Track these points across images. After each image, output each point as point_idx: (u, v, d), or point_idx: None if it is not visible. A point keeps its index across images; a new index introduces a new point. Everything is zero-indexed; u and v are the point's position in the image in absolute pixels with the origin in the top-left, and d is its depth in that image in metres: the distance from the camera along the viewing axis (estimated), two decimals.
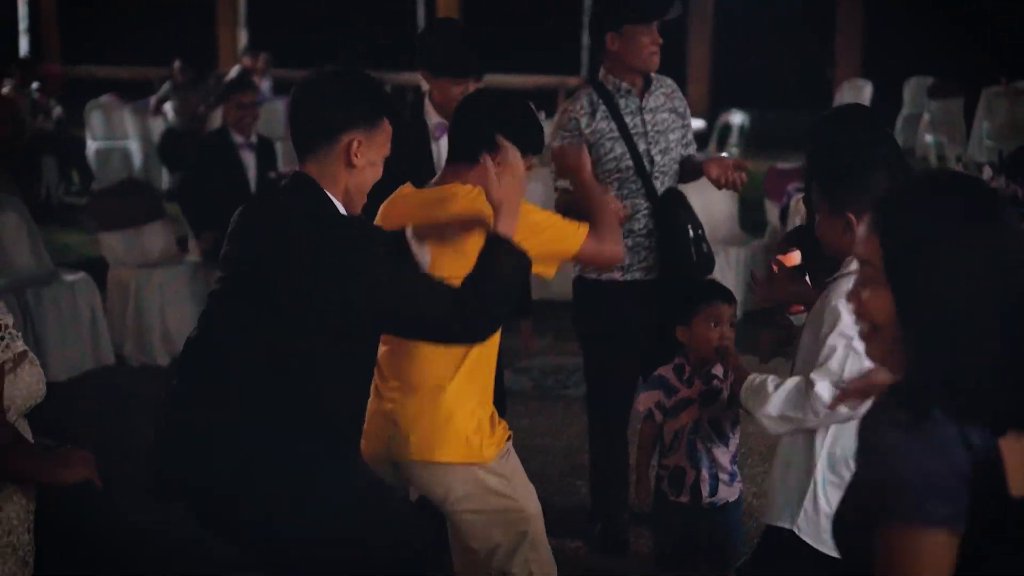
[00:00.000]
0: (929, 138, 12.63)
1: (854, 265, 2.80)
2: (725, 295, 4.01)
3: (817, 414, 2.96)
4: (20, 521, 2.81)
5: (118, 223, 7.23)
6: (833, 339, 2.93)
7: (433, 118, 4.40)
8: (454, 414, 3.32)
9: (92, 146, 12.60)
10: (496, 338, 3.37)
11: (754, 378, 3.22)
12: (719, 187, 4.43)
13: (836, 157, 3.13)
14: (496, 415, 3.47)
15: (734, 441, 3.97)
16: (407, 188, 3.50)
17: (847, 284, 2.74)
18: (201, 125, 11.51)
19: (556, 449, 5.71)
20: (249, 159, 7.10)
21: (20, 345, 2.69)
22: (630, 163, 4.46)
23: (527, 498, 3.46)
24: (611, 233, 3.46)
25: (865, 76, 15.68)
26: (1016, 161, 6.28)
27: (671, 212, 4.49)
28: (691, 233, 4.48)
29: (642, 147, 4.47)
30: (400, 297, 2.84)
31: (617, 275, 4.51)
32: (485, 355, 3.40)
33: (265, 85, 13.27)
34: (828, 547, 2.96)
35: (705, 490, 3.92)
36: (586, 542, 4.74)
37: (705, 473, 3.92)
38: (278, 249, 2.85)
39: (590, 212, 3.48)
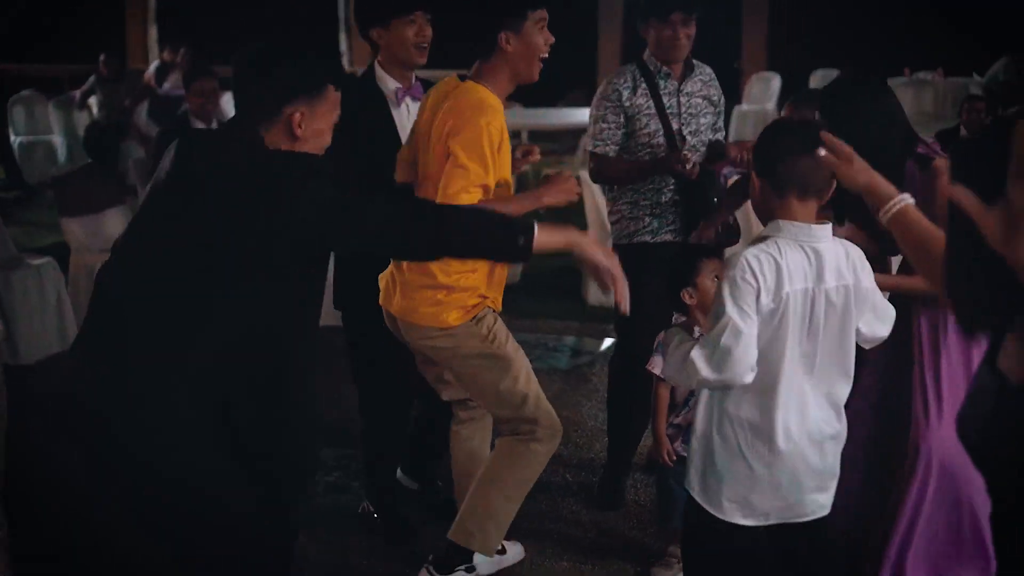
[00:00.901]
0: None
1: (766, 231, 3.08)
2: (715, 252, 4.25)
3: (692, 381, 3.11)
4: None
5: (79, 209, 7.20)
6: (717, 312, 3.05)
7: (389, 83, 4.34)
8: (457, 285, 3.80)
9: (15, 140, 12.42)
10: None
11: (667, 335, 3.41)
12: (735, 165, 4.71)
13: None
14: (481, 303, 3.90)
15: None
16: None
17: (746, 252, 3.01)
18: (127, 119, 11.43)
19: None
20: None
21: None
22: (662, 140, 4.71)
23: (516, 353, 3.93)
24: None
25: (772, 69, 16.11)
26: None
27: (697, 188, 4.73)
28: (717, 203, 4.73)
29: (675, 126, 4.73)
30: (352, 216, 2.80)
31: (648, 238, 4.75)
32: None
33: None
34: (712, 504, 3.17)
35: None
36: (566, 496, 4.96)
37: None
38: (223, 178, 2.77)
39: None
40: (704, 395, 3.20)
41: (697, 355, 3.04)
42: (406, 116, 4.33)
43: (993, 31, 15.96)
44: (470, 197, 3.65)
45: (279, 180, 2.75)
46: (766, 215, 3.15)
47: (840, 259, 3.11)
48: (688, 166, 4.53)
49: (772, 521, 3.20)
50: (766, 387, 3.07)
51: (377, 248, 3.02)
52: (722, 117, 4.93)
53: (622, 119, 4.70)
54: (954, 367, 3.66)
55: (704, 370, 3.03)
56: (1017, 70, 13.30)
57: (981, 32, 16.08)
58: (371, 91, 4.34)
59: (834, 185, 3.07)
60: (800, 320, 3.05)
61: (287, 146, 2.86)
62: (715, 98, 4.87)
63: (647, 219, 4.76)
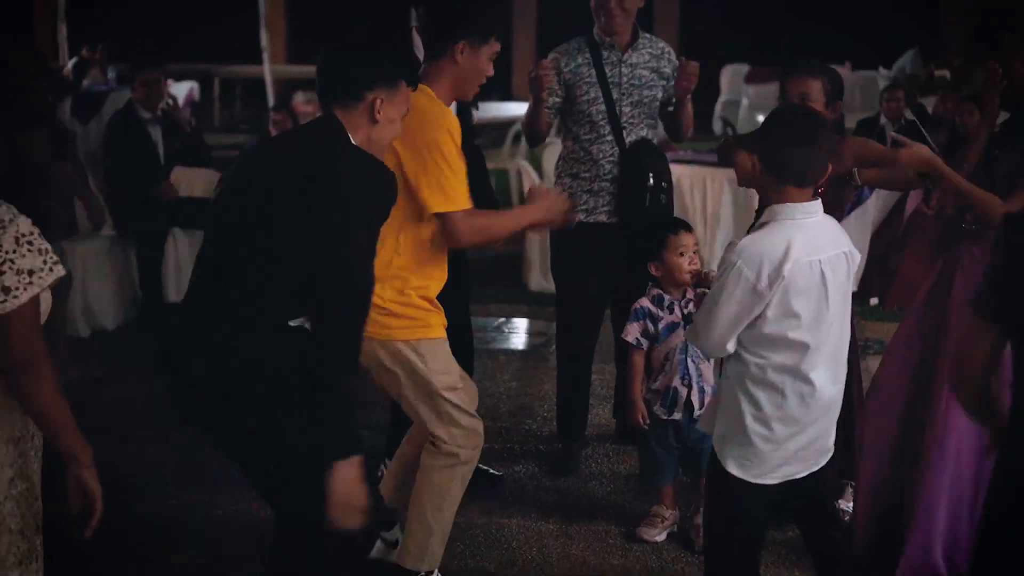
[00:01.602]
0: (761, 118, 13.45)
1: (765, 217, 3.28)
2: (685, 226, 4.46)
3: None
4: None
5: None
6: (713, 291, 3.26)
7: None
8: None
9: None
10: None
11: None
12: (683, 94, 4.89)
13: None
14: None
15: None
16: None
17: (750, 239, 3.22)
18: (52, 115, 11.31)
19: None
20: (157, 133, 7.24)
21: (61, 269, 2.67)
22: (603, 108, 4.86)
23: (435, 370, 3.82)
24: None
25: None
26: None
27: (635, 159, 4.88)
28: (650, 181, 4.87)
29: (615, 95, 4.86)
30: (352, 258, 3.00)
31: (581, 216, 4.87)
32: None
33: (110, 75, 13.06)
34: (737, 467, 3.29)
35: (696, 403, 4.33)
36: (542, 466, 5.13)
37: (696, 388, 4.33)
38: (299, 168, 3.04)
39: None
40: (736, 368, 3.32)
41: (689, 329, 3.36)
42: None
43: (894, 25, 16.49)
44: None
45: (351, 175, 3.03)
46: (763, 195, 3.37)
47: (833, 230, 3.32)
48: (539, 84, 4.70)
49: (793, 477, 3.35)
50: (798, 355, 3.23)
51: (321, 308, 3.03)
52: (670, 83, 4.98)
53: (559, 87, 4.85)
54: None
55: (694, 336, 3.32)
56: (924, 62, 13.80)
57: (883, 26, 16.60)
58: None
59: (828, 173, 3.29)
60: (815, 286, 3.21)
61: (365, 129, 3.17)
62: (666, 71, 4.94)
63: (584, 196, 4.91)
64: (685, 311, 4.35)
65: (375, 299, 3.23)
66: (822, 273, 3.22)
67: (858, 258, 3.40)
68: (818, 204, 3.29)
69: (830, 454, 3.41)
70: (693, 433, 4.33)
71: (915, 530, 3.93)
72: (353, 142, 3.16)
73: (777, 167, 3.23)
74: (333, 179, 3.00)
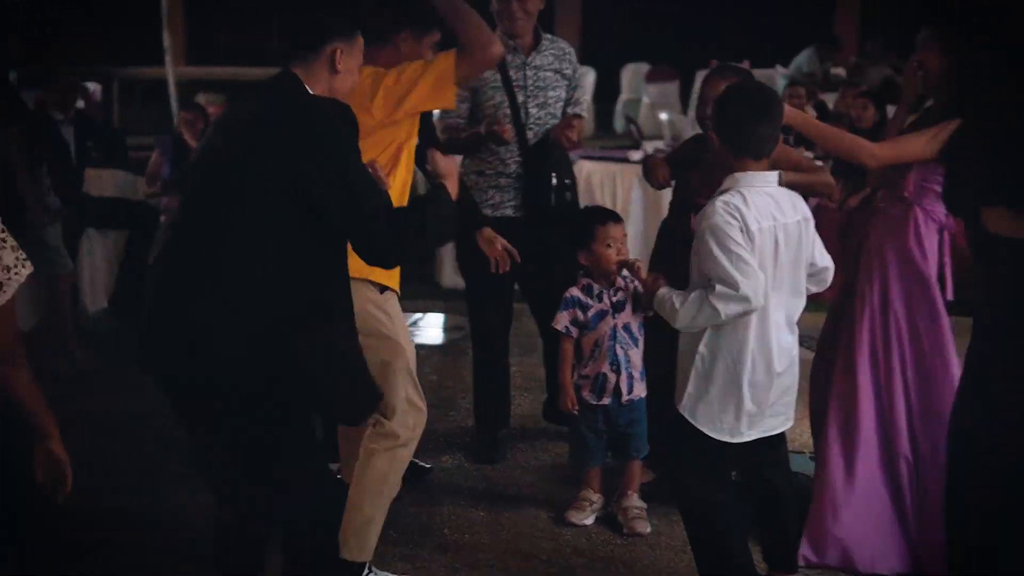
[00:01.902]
0: (664, 116, 13.66)
1: (726, 184, 3.48)
2: (614, 217, 4.58)
3: (719, 318, 3.45)
4: None
5: None
6: (716, 252, 3.41)
7: None
8: None
9: None
10: None
11: (661, 294, 3.66)
12: (561, 143, 4.96)
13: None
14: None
15: (642, 342, 4.52)
16: None
17: (716, 201, 3.41)
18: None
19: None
20: (69, 133, 7.18)
21: (30, 266, 2.80)
22: (507, 112, 4.96)
23: (408, 344, 3.97)
24: (477, 39, 3.82)
25: (585, 63, 16.62)
26: None
27: (538, 160, 5.00)
28: (554, 180, 5.00)
29: (520, 99, 4.96)
30: (360, 192, 3.13)
31: (488, 212, 4.98)
32: None
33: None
34: (708, 426, 3.53)
35: (625, 389, 4.46)
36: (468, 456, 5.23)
37: (624, 375, 4.46)
38: (265, 127, 3.13)
39: (456, 30, 3.88)
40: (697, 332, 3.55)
41: (715, 296, 3.40)
42: None
43: (790, 24, 16.86)
44: None
45: (323, 123, 3.13)
46: (724, 170, 3.54)
47: (792, 198, 3.56)
48: (505, 134, 4.82)
49: (756, 436, 3.58)
50: (759, 315, 3.47)
51: (369, 229, 3.16)
52: (581, 92, 5.16)
53: (466, 92, 4.92)
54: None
55: (724, 307, 3.40)
56: (820, 60, 14.14)
57: (780, 25, 16.96)
58: None
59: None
60: (770, 252, 3.46)
61: (326, 80, 3.26)
62: (568, 72, 5.07)
63: (490, 191, 5.02)
64: (614, 299, 4.47)
65: None
66: (776, 239, 3.44)
67: (811, 225, 3.59)
68: (776, 175, 3.50)
69: (790, 422, 3.63)
70: (622, 418, 4.47)
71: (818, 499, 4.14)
72: (312, 93, 3.24)
73: (736, 142, 3.46)
74: (305, 126, 3.09)
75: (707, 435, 3.56)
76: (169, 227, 3.28)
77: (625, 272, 4.42)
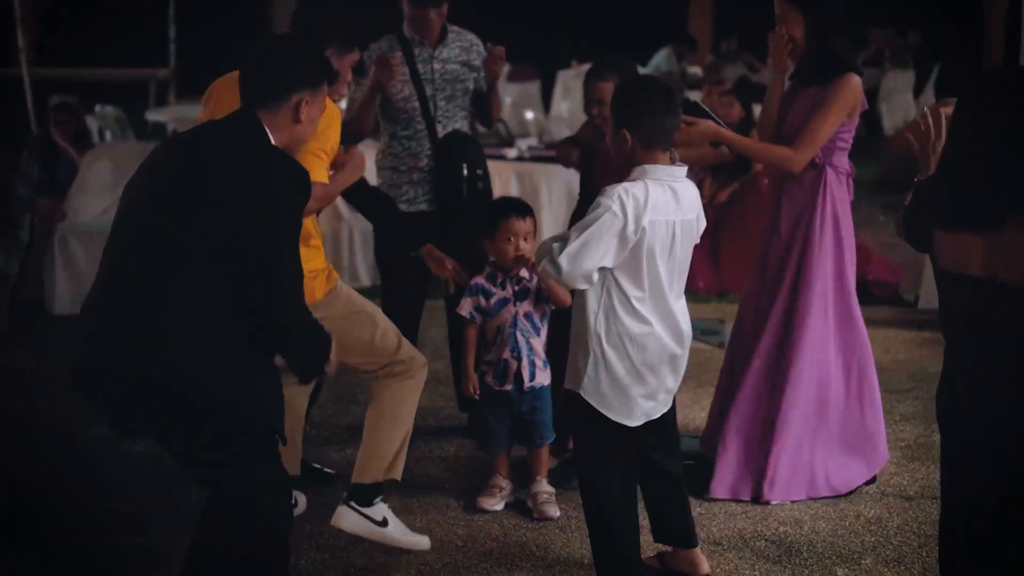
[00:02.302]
0: (530, 115, 13.86)
1: (635, 174, 3.59)
2: (520, 210, 4.64)
3: (552, 275, 3.59)
4: None
5: None
6: (584, 225, 3.53)
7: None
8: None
9: None
10: None
11: (545, 241, 3.74)
12: (492, 79, 5.12)
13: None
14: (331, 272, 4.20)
15: (544, 331, 4.61)
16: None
17: (619, 187, 3.53)
18: None
19: None
20: None
21: None
22: (416, 105, 5.02)
23: (374, 306, 4.29)
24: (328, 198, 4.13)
25: None
26: None
27: (448, 152, 5.06)
28: (465, 172, 5.07)
29: (429, 92, 5.03)
30: (280, 255, 3.15)
31: (403, 207, 5.02)
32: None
33: None
34: (608, 409, 3.65)
35: (526, 375, 4.55)
36: None
37: (526, 361, 4.54)
38: (218, 166, 3.14)
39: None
40: (595, 313, 3.62)
41: (550, 246, 3.57)
42: None
43: (646, 24, 17.20)
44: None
45: (274, 179, 3.15)
46: (630, 162, 3.63)
47: (692, 195, 3.67)
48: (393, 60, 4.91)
49: (652, 417, 3.69)
50: (656, 303, 3.60)
51: (267, 291, 3.17)
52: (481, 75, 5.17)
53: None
54: None
55: (561, 262, 3.50)
56: (677, 59, 14.47)
57: (636, 25, 17.28)
58: None
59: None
60: (666, 244, 3.56)
61: (289, 128, 3.29)
62: (476, 63, 5.14)
63: (404, 187, 5.09)
64: (516, 288, 4.55)
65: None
66: (673, 233, 3.56)
67: (703, 224, 3.70)
68: (683, 170, 3.62)
69: (670, 402, 3.77)
70: (525, 404, 4.56)
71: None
72: (273, 142, 3.26)
73: (644, 135, 3.58)
74: (257, 183, 3.10)
75: (605, 416, 3.65)
76: (105, 264, 3.24)
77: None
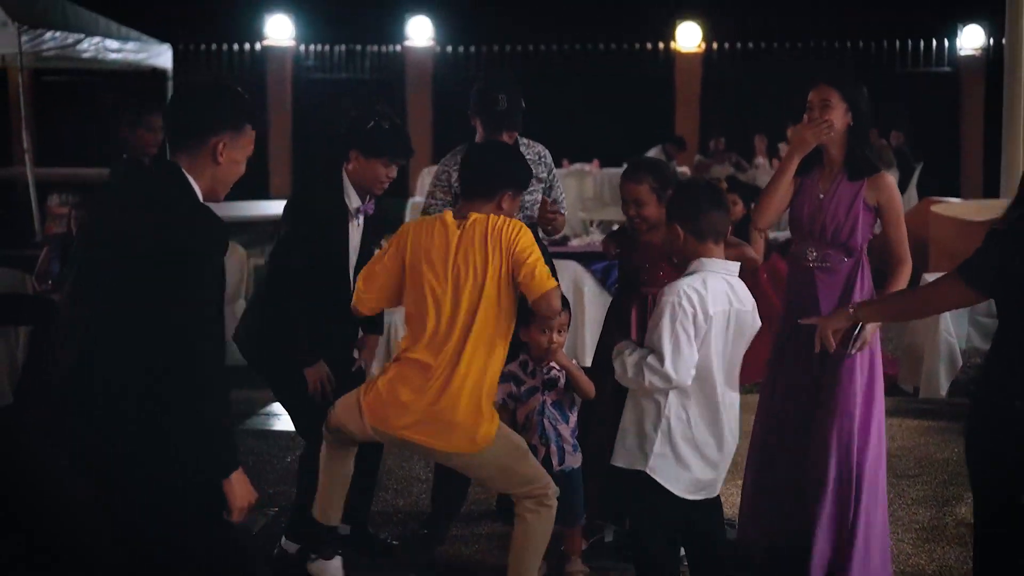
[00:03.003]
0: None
1: (692, 267, 3.90)
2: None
3: (642, 383, 3.90)
4: None
5: None
6: (663, 325, 3.85)
7: (354, 201, 4.90)
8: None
9: None
10: None
11: (621, 345, 4.08)
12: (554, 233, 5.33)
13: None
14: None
15: (573, 418, 4.77)
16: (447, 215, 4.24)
17: (682, 282, 3.85)
18: None
19: None
20: None
21: None
22: None
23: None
24: None
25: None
26: None
27: None
28: None
29: None
30: (199, 308, 3.21)
31: None
32: None
33: None
34: (677, 487, 3.92)
35: (555, 460, 4.70)
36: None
37: (554, 447, 4.70)
38: (142, 224, 3.23)
39: None
40: (666, 401, 3.94)
41: (647, 364, 3.85)
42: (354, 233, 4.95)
43: (636, 124, 17.61)
44: None
45: (192, 234, 3.24)
46: (688, 256, 3.96)
47: (744, 289, 3.98)
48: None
49: (707, 496, 4.00)
50: (708, 391, 3.91)
51: (176, 352, 3.21)
52: (557, 191, 5.36)
53: (450, 198, 5.10)
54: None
55: (650, 376, 3.83)
56: (667, 157, 14.83)
57: (627, 125, 17.69)
58: (339, 206, 4.88)
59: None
60: (723, 333, 3.88)
61: (210, 171, 3.37)
62: (543, 175, 5.26)
63: None
64: (545, 378, 4.71)
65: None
66: (729, 322, 3.86)
67: (758, 322, 4.03)
68: (737, 265, 3.95)
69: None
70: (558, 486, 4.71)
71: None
72: (195, 187, 3.34)
73: (698, 229, 3.91)
74: (177, 240, 3.19)
75: (668, 492, 3.90)
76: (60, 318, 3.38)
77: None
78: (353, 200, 4.86)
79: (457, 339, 4.11)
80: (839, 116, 4.52)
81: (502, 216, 4.17)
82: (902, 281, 4.54)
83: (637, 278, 4.90)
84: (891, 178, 4.64)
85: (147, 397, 3.16)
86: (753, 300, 4.02)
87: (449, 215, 4.23)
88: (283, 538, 4.88)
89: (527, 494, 4.28)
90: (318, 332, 4.76)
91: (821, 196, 4.56)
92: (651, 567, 4.02)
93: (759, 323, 4.03)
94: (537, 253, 4.09)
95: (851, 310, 3.95)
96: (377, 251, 4.79)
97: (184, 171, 3.34)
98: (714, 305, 3.84)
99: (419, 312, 4.16)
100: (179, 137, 3.38)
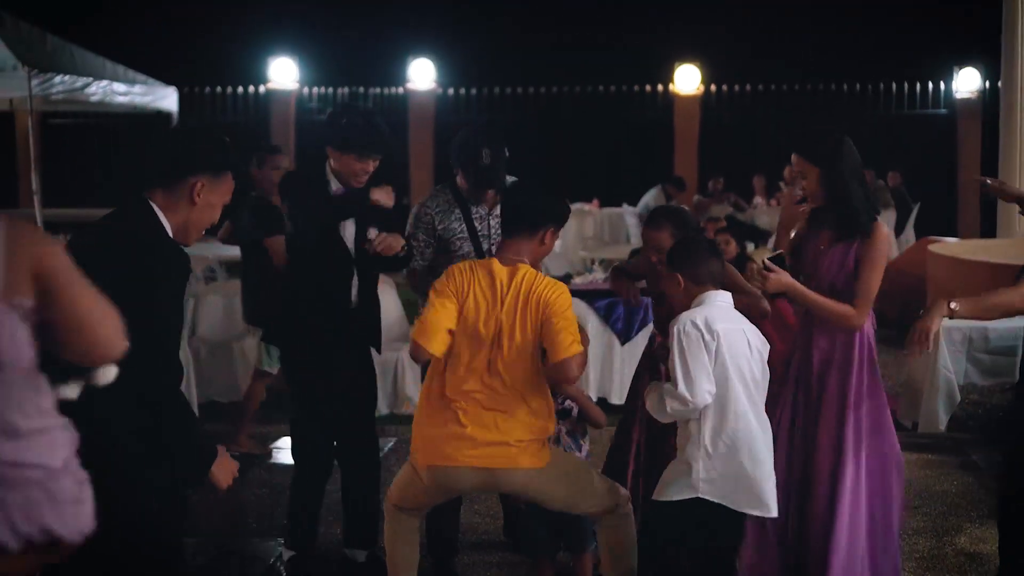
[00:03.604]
0: None
1: (694, 304, 4.15)
2: None
3: (665, 411, 4.15)
4: None
5: None
6: (675, 353, 4.09)
7: (332, 184, 5.11)
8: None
9: None
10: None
11: (653, 383, 4.43)
12: None
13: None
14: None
15: (585, 448, 4.90)
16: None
17: (684, 313, 4.10)
18: None
19: None
20: None
21: None
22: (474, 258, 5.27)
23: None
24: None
25: None
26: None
27: None
28: None
29: (485, 247, 5.17)
30: (150, 329, 3.16)
31: None
32: None
33: None
34: (728, 501, 4.09)
35: None
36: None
37: None
38: (107, 256, 3.25)
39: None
40: (709, 421, 4.13)
41: (666, 391, 4.12)
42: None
43: (634, 165, 17.79)
44: None
45: (154, 266, 3.30)
46: (689, 302, 4.21)
47: (739, 315, 4.25)
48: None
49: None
50: (740, 408, 4.12)
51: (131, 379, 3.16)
52: None
53: (432, 240, 5.19)
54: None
55: (670, 402, 4.10)
56: (666, 197, 14.98)
57: (625, 166, 17.87)
58: (321, 183, 5.12)
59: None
60: (743, 349, 4.13)
61: (185, 210, 3.44)
62: None
63: None
64: (559, 408, 4.80)
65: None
66: (747, 338, 4.13)
67: (767, 346, 4.30)
68: (729, 295, 4.23)
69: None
70: (568, 513, 4.81)
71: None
72: (165, 222, 3.38)
73: (698, 277, 4.21)
74: (139, 270, 3.23)
75: (727, 510, 4.11)
76: None
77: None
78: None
79: (504, 370, 4.20)
80: (813, 183, 4.58)
81: (548, 278, 4.28)
82: (838, 308, 4.52)
83: (667, 321, 4.96)
84: (882, 231, 4.59)
85: (117, 415, 3.21)
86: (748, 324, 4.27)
87: (496, 263, 4.29)
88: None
89: (601, 510, 4.43)
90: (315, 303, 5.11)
91: (821, 248, 4.64)
92: None
93: (767, 347, 4.24)
94: (569, 318, 4.18)
95: (952, 306, 4.29)
96: (423, 302, 4.81)
97: (154, 206, 3.40)
98: (720, 323, 4.07)
99: (465, 350, 4.23)
100: (159, 173, 3.45)
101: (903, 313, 10.40)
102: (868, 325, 4.63)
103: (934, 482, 6.68)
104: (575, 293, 9.25)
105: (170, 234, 3.41)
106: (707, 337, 4.05)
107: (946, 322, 7.38)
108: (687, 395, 4.02)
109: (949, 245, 11.24)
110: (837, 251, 4.58)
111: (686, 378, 4.03)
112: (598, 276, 10.79)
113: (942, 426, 7.51)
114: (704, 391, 4.03)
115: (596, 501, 4.42)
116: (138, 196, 3.42)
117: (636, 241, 13.76)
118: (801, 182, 4.63)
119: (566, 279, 10.34)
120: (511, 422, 4.20)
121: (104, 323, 2.59)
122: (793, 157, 4.63)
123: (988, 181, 5.21)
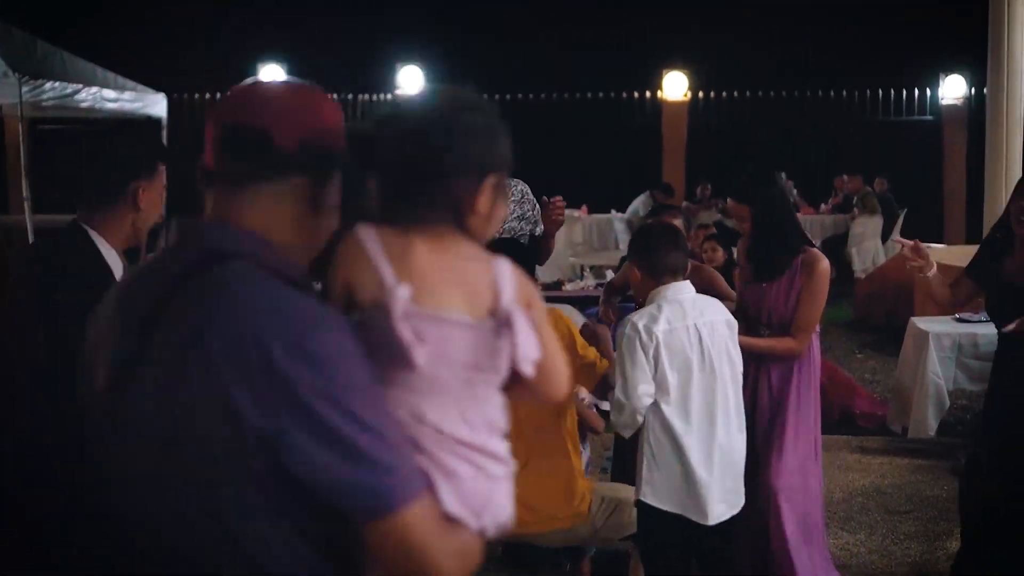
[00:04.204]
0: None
1: (648, 300, 4.07)
2: None
3: (619, 417, 4.07)
4: None
5: None
6: (616, 360, 4.08)
7: None
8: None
9: None
10: None
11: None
12: (555, 228, 5.41)
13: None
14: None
15: (586, 454, 4.95)
16: None
17: (634, 314, 4.03)
18: None
19: None
20: None
21: None
22: None
23: None
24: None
25: None
26: None
27: None
28: None
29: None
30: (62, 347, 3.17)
31: None
32: None
33: None
34: (666, 504, 4.04)
35: None
36: None
37: None
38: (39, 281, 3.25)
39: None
40: (648, 425, 4.03)
41: (610, 396, 4.06)
42: None
43: (622, 172, 17.85)
44: None
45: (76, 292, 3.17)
46: (647, 294, 4.11)
47: (710, 303, 4.13)
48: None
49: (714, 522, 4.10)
50: (690, 408, 4.03)
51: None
52: (538, 225, 5.45)
53: None
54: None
55: (615, 409, 4.03)
56: (654, 203, 15.06)
57: (614, 173, 17.93)
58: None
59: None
60: (693, 345, 4.00)
61: (130, 218, 3.38)
62: (530, 214, 5.34)
63: None
64: None
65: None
66: (699, 335, 3.99)
67: (735, 324, 4.15)
68: (687, 285, 4.06)
69: (736, 509, 4.11)
70: None
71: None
72: (98, 242, 3.32)
73: (654, 270, 4.07)
74: (73, 291, 3.14)
75: (667, 514, 4.02)
76: None
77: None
78: None
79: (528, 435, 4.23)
80: (747, 220, 4.68)
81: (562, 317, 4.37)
82: (779, 345, 4.63)
83: None
84: (822, 264, 4.65)
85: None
86: (724, 309, 4.15)
87: None
88: None
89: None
90: None
91: (764, 285, 4.72)
92: None
93: (735, 324, 4.15)
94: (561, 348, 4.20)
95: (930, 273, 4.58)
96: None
97: (88, 228, 3.35)
98: (664, 324, 3.95)
99: None
100: (96, 193, 3.39)
101: (890, 319, 10.47)
102: (815, 353, 4.75)
103: (924, 487, 6.75)
104: (567, 300, 9.35)
105: (106, 258, 3.34)
106: (644, 339, 3.94)
107: (936, 328, 7.52)
108: (622, 398, 3.98)
109: (936, 251, 11.30)
110: (780, 285, 4.67)
111: (623, 381, 3.98)
112: (589, 283, 10.87)
113: (932, 431, 7.57)
114: (642, 394, 3.96)
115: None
116: (72, 221, 3.37)
117: (624, 247, 13.83)
118: (743, 224, 4.72)
119: (556, 286, 10.39)
120: (547, 485, 4.32)
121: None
122: (728, 201, 4.74)
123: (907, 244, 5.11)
